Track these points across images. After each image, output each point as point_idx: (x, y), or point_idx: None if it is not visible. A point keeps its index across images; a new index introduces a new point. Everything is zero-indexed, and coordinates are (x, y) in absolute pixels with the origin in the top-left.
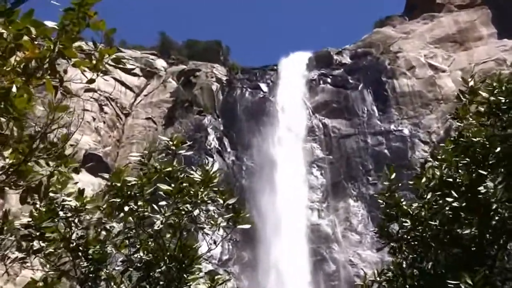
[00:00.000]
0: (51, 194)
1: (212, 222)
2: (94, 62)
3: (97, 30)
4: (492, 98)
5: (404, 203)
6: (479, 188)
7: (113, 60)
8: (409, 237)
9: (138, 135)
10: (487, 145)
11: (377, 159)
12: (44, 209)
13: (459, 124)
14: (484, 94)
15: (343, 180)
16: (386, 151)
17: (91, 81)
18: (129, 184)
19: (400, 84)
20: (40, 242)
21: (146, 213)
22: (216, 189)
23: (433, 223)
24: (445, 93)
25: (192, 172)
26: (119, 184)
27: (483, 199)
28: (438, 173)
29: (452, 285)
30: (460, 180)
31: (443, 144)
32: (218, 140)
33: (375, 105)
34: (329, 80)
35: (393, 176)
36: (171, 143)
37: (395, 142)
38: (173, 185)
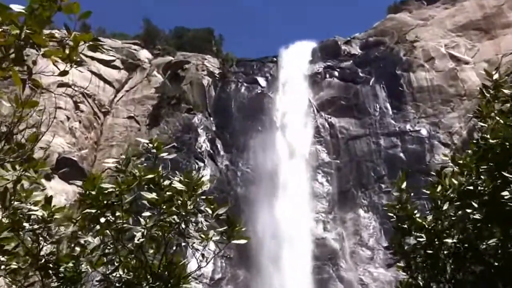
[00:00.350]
0: (15, 203)
1: (202, 235)
2: (67, 51)
3: (70, 14)
4: None
5: (418, 215)
6: (503, 194)
7: (90, 48)
8: (424, 253)
9: (119, 137)
10: (508, 147)
11: (391, 164)
12: (6, 220)
13: (483, 124)
14: (506, 91)
15: (352, 188)
16: (401, 154)
17: (64, 73)
18: (106, 192)
19: (418, 77)
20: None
21: (125, 225)
22: (207, 198)
23: (450, 240)
24: (468, 88)
25: (179, 178)
26: (94, 192)
27: (507, 206)
28: (454, 181)
29: None
30: (482, 188)
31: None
32: (209, 142)
33: (388, 102)
34: (336, 73)
35: (404, 184)
36: (151, 145)
37: (411, 144)
38: (156, 193)
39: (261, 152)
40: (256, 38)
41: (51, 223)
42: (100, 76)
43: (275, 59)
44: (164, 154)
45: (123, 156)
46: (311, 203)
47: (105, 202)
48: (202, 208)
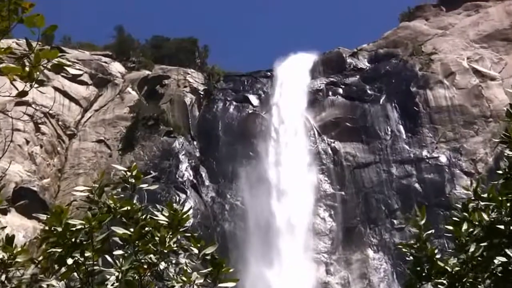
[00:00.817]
0: None
1: (184, 278)
2: (27, 69)
3: (33, 27)
4: None
5: (439, 256)
6: None
7: (54, 68)
8: None
9: (86, 164)
10: None
11: (404, 196)
12: None
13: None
14: None
15: (359, 224)
16: (416, 185)
17: (23, 93)
18: (74, 228)
19: (436, 96)
20: None
21: (96, 267)
22: (189, 235)
23: None
24: (494, 108)
25: (157, 212)
26: (60, 229)
27: None
28: (485, 217)
29: None
30: None
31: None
32: (193, 170)
33: (402, 123)
34: (340, 90)
35: (424, 220)
36: (129, 174)
37: (428, 174)
38: (132, 229)
39: (254, 182)
40: (247, 49)
41: (11, 266)
42: (64, 93)
43: (269, 73)
44: (144, 185)
45: (96, 185)
46: (312, 242)
47: (73, 240)
48: (185, 246)
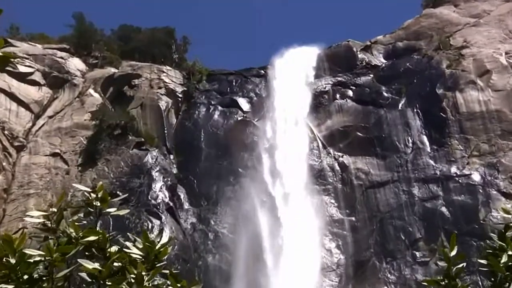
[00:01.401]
0: None
1: None
2: None
3: None
4: None
5: None
6: None
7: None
8: None
9: (39, 182)
10: None
11: (429, 223)
12: None
13: None
14: None
15: (373, 257)
16: (443, 209)
17: None
18: (30, 260)
19: (467, 99)
20: None
21: None
22: (171, 272)
23: None
24: None
25: (129, 243)
26: (13, 260)
27: None
28: None
29: None
30: None
31: None
32: (169, 190)
33: (425, 133)
34: (350, 92)
35: (454, 251)
36: (94, 196)
37: (458, 195)
38: (100, 263)
39: (243, 205)
40: (237, 42)
41: None
42: (11, 96)
43: (263, 71)
44: (111, 210)
45: (53, 209)
46: (317, 278)
47: (28, 275)
48: (161, 285)
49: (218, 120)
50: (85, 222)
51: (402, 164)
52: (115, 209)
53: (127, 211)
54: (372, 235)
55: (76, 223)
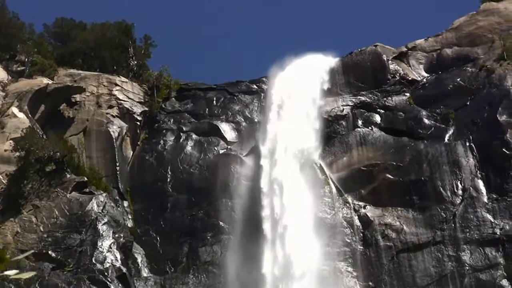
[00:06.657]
0: None
1: None
2: None
3: None
4: None
5: None
6: None
7: None
8: None
9: None
10: None
11: None
12: None
13: None
14: None
15: None
16: (504, 282)
17: None
18: None
19: None
20: None
21: None
22: None
23: None
24: None
25: None
26: None
27: None
28: None
29: None
30: None
31: None
32: (121, 250)
33: (482, 176)
34: (377, 117)
35: None
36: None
37: None
38: None
39: (226, 272)
40: (220, 47)
41: None
42: None
43: (255, 86)
44: (11, 272)
45: None
46: None
47: None
48: None
49: (191, 154)
50: None
51: (448, 219)
52: (15, 271)
53: (33, 273)
54: None
55: None
